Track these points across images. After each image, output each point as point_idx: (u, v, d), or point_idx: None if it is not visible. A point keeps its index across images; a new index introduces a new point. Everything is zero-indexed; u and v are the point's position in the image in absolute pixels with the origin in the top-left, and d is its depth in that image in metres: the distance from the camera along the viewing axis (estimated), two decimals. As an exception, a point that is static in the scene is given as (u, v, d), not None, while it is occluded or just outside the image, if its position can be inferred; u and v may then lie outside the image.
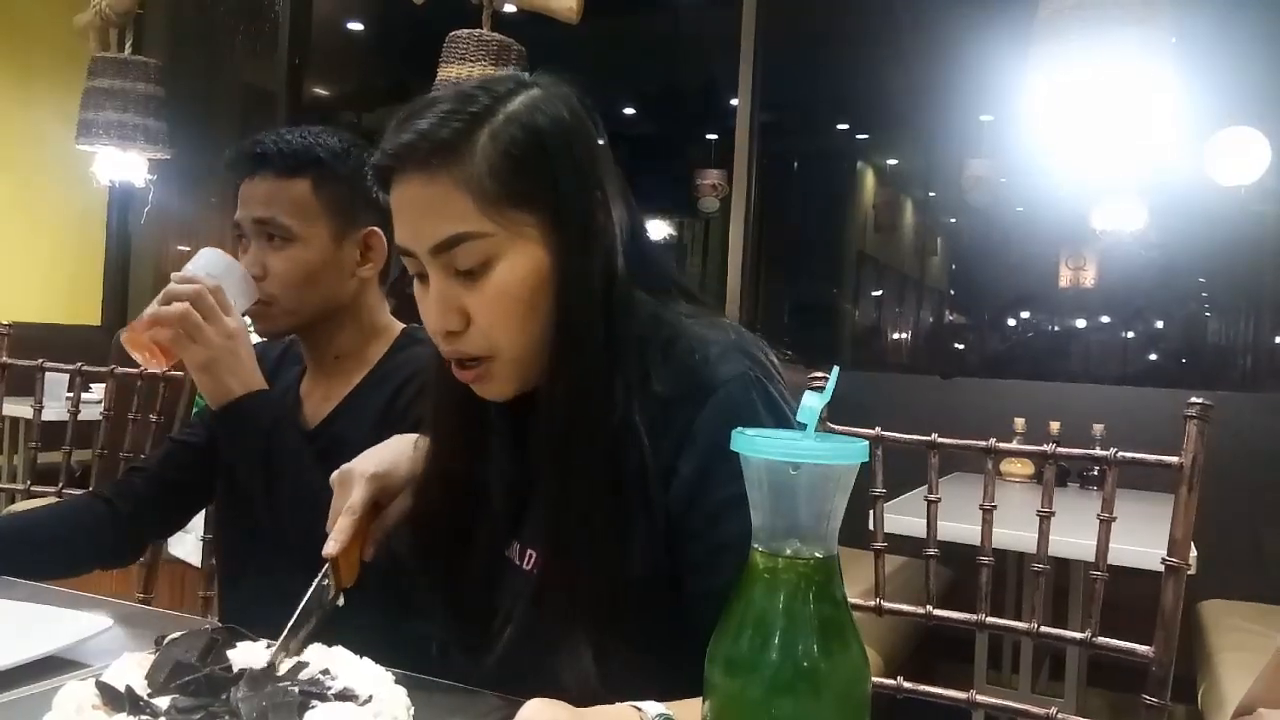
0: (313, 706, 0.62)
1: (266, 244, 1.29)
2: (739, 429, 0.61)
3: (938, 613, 1.46)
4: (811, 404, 0.60)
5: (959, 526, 1.73)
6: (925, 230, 6.08)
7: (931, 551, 1.46)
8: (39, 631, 0.94)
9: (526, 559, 0.95)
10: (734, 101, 3.97)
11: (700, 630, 0.65)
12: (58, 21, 4.53)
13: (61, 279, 5.11)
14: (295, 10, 4.88)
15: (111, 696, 0.62)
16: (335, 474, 0.98)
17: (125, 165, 4.22)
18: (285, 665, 0.70)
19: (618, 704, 0.71)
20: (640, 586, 0.88)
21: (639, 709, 0.70)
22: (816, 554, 0.61)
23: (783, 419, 0.90)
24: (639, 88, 6.37)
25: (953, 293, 5.88)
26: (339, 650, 0.75)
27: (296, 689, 0.64)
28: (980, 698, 1.42)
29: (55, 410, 2.15)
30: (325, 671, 0.70)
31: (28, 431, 2.73)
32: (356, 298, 1.35)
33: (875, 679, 1.23)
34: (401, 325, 1.40)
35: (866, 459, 0.60)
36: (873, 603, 1.47)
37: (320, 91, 5.77)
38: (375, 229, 1.33)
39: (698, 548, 0.87)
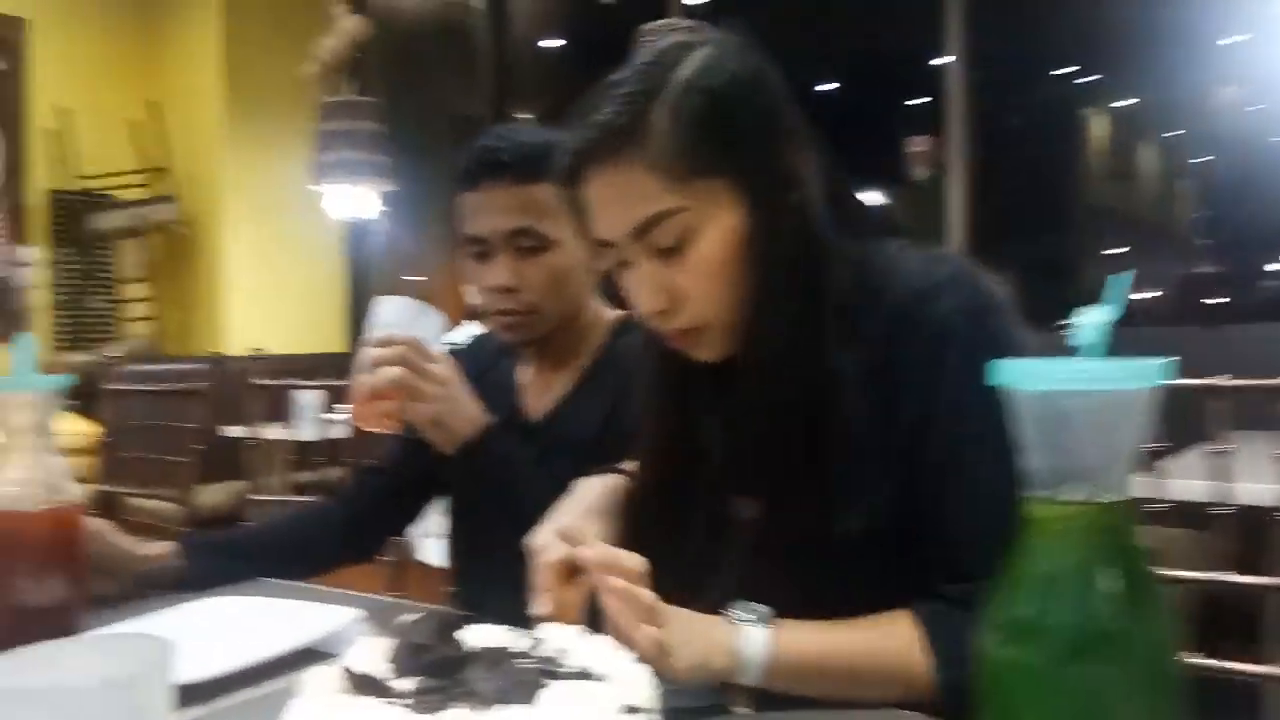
0: (546, 685, 0.59)
1: (517, 254, 1.25)
2: (997, 360, 0.54)
3: (1227, 579, 1.30)
4: (1094, 319, 0.50)
5: (1249, 486, 1.53)
6: (1167, 173, 5.56)
7: (1221, 510, 1.30)
8: (297, 625, 0.99)
9: (747, 513, 0.92)
10: (941, 61, 3.77)
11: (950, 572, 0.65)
12: (285, 77, 4.92)
13: (309, 310, 5.59)
14: (495, 35, 5.07)
15: (355, 680, 0.62)
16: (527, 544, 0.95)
17: (357, 200, 4.51)
18: (519, 644, 0.68)
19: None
20: (859, 539, 0.83)
21: (730, 615, 0.75)
22: (1107, 498, 0.52)
23: (1012, 352, 0.82)
24: (838, 60, 6.18)
25: (1207, 239, 5.34)
26: (574, 628, 0.72)
27: (534, 667, 0.62)
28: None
29: (308, 430, 2.30)
30: (562, 650, 0.67)
31: (284, 450, 2.95)
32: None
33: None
34: (614, 312, 1.37)
35: (1163, 380, 0.50)
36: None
37: (524, 113, 5.95)
38: None
39: (944, 490, 0.81)
